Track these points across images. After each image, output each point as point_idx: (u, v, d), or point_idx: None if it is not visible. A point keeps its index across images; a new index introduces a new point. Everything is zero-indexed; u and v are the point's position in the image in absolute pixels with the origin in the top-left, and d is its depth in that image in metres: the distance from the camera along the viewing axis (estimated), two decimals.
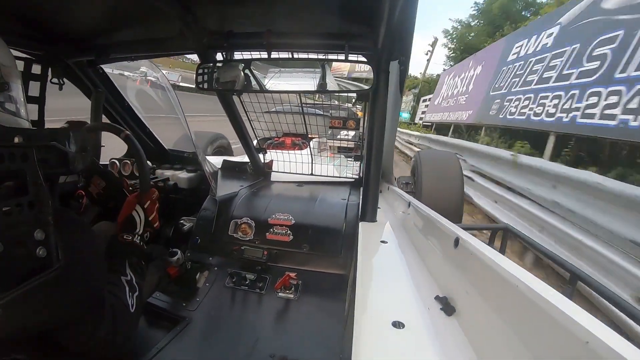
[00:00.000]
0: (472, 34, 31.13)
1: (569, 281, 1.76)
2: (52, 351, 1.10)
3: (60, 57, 2.06)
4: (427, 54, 35.08)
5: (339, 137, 4.34)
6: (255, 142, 2.87)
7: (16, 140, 0.96)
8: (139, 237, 1.58)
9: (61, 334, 1.07)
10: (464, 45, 30.84)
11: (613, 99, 5.73)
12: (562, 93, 7.36)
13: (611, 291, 1.56)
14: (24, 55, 1.87)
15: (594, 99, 6.22)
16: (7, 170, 0.90)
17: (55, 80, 2.09)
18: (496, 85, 11.75)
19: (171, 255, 1.83)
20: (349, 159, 3.53)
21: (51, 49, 1.97)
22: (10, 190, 0.93)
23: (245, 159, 2.99)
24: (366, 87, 1.81)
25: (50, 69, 2.04)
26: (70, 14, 1.68)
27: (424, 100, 26.88)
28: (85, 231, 1.17)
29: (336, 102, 6.48)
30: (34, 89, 1.91)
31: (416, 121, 26.49)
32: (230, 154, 5.21)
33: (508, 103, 10.14)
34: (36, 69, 1.95)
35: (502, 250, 2.38)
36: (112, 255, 1.45)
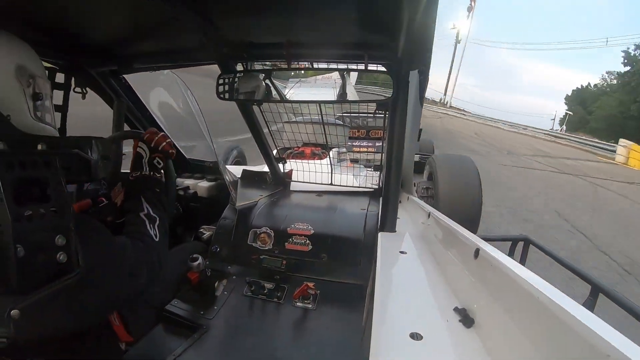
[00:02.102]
0: None
1: (591, 293, 1.74)
2: (71, 356, 1.12)
3: (83, 67, 2.10)
4: None
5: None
6: (274, 151, 2.88)
7: (40, 147, 0.98)
8: (148, 168, 1.60)
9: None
10: None
11: None
12: None
13: (634, 304, 1.53)
14: (49, 65, 1.91)
15: None
16: (30, 177, 0.92)
17: (78, 89, 2.12)
18: None
19: (192, 260, 1.84)
20: (368, 169, 3.53)
21: (75, 59, 2.01)
22: (33, 196, 0.95)
23: (265, 168, 3.01)
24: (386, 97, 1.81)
25: (73, 78, 2.08)
26: (94, 26, 1.71)
27: None
28: (106, 238, 1.19)
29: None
30: (57, 97, 1.95)
31: None
32: (245, 163, 5.26)
33: None
34: (59, 78, 1.99)
35: (522, 261, 2.35)
36: (128, 198, 1.51)
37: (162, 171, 1.66)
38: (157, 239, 1.38)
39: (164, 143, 1.69)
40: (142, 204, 1.46)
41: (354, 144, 6.30)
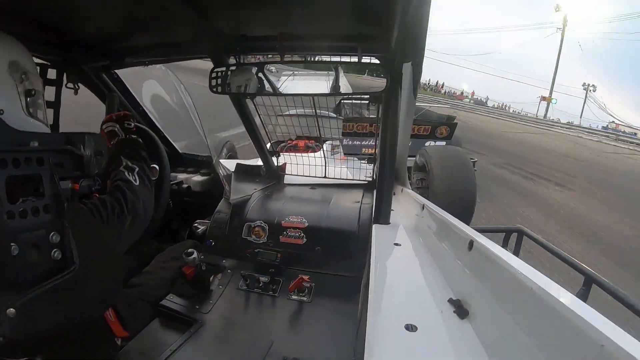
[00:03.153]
0: None
1: (584, 284, 1.75)
2: (68, 352, 1.11)
3: (75, 63, 2.08)
4: None
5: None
6: (268, 145, 2.88)
7: (32, 144, 0.97)
8: (122, 134, 1.64)
9: None
10: None
11: None
12: None
13: (627, 294, 1.54)
14: (40, 61, 1.89)
15: None
16: (24, 174, 0.92)
17: (70, 85, 2.11)
18: None
19: (187, 255, 1.84)
20: (362, 161, 3.53)
21: (66, 55, 1.99)
22: (26, 193, 0.95)
23: (259, 162, 3.00)
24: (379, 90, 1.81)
25: (65, 74, 2.06)
26: (86, 20, 1.70)
27: None
28: (100, 233, 1.19)
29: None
30: (49, 93, 1.93)
31: None
32: (236, 157, 5.26)
33: None
34: (51, 73, 1.97)
35: (516, 253, 2.37)
36: (110, 163, 1.51)
37: (135, 131, 1.69)
38: (137, 183, 1.41)
39: (122, 112, 1.74)
40: (121, 160, 1.48)
41: (362, 143, 6.21)
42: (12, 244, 0.84)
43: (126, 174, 1.43)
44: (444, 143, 6.08)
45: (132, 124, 1.69)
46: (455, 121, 6.77)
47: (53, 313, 0.96)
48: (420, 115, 7.68)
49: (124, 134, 1.63)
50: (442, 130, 6.21)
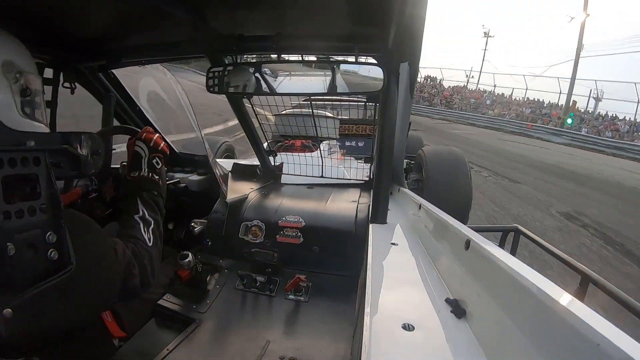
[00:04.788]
0: None
1: (581, 283, 1.75)
2: (65, 352, 1.11)
3: (72, 62, 2.08)
4: None
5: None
6: (265, 144, 2.88)
7: (29, 144, 0.97)
8: (147, 169, 1.58)
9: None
10: None
11: None
12: None
13: (624, 294, 1.54)
14: (37, 60, 1.89)
15: None
16: (20, 174, 0.91)
17: (67, 84, 2.10)
18: None
19: (182, 258, 1.84)
20: (359, 160, 3.53)
21: (63, 54, 1.98)
22: (23, 193, 0.94)
23: (256, 161, 3.00)
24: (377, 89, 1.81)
25: (62, 74, 2.06)
26: (82, 20, 1.69)
27: None
28: (97, 233, 1.18)
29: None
30: (46, 93, 1.93)
31: None
32: (234, 157, 5.25)
33: None
34: (48, 73, 1.97)
35: (513, 252, 2.37)
36: (124, 198, 1.49)
37: (159, 172, 1.63)
38: (150, 243, 1.37)
39: (163, 144, 1.68)
40: (137, 205, 1.44)
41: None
42: (8, 243, 0.84)
43: (141, 228, 1.39)
44: None
45: (161, 164, 1.64)
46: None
47: (50, 313, 0.96)
48: None
49: (148, 170, 1.58)
50: (368, 129, 6.17)
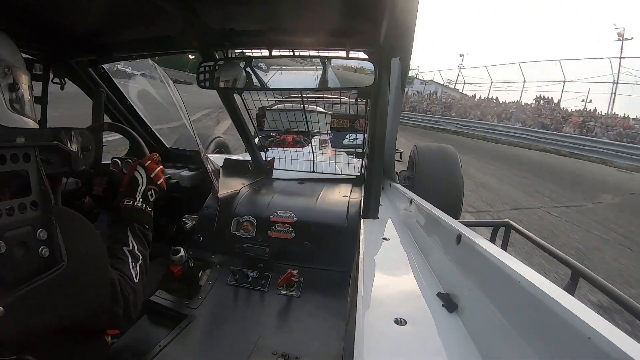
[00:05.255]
0: None
1: (571, 277, 1.76)
2: (58, 350, 1.11)
3: (61, 57, 2.06)
4: None
5: None
6: (256, 139, 2.88)
7: (19, 140, 0.96)
8: (141, 199, 1.56)
9: (76, 326, 1.09)
10: None
11: None
12: None
13: (613, 288, 1.56)
14: (26, 56, 1.87)
15: None
16: (10, 171, 0.91)
17: (56, 80, 2.09)
18: None
19: (174, 253, 1.83)
20: (350, 156, 3.54)
21: (52, 49, 1.97)
22: (13, 190, 0.94)
23: (247, 157, 3.00)
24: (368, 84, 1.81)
25: (51, 69, 2.04)
26: (72, 14, 1.67)
27: None
28: (88, 230, 1.18)
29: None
30: (36, 89, 1.91)
31: None
32: (226, 153, 5.24)
33: None
34: (38, 68, 1.95)
35: (504, 247, 2.38)
36: (114, 225, 1.46)
37: (151, 205, 1.62)
38: (136, 280, 1.33)
39: (162, 179, 1.68)
40: (128, 237, 1.42)
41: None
42: None
43: (130, 263, 1.36)
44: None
45: (154, 198, 1.64)
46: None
47: (42, 311, 0.96)
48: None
49: (142, 201, 1.57)
50: (360, 123, 6.18)
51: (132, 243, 1.41)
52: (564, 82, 30.83)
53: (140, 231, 1.48)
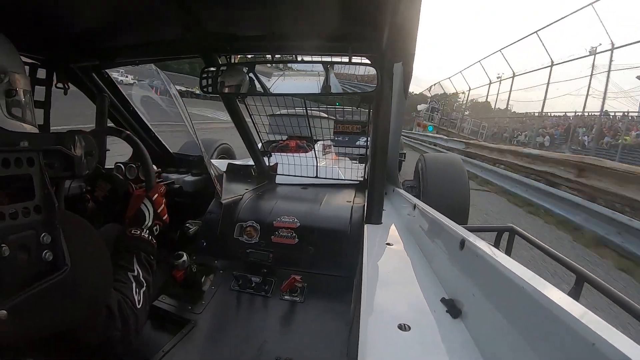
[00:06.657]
0: None
1: (576, 283, 1.75)
2: (60, 355, 1.11)
3: (64, 62, 2.07)
4: None
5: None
6: (259, 145, 2.88)
7: (22, 144, 0.96)
8: (147, 232, 1.56)
9: (71, 334, 1.07)
10: None
11: None
12: None
13: (619, 293, 1.55)
14: (30, 60, 1.87)
15: None
16: (14, 175, 0.91)
17: (60, 85, 2.09)
18: None
19: (177, 258, 1.83)
20: (353, 161, 3.54)
21: (56, 54, 1.97)
22: (17, 194, 0.94)
23: (250, 162, 3.00)
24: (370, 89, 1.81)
25: (55, 74, 2.05)
26: (75, 19, 1.68)
27: None
28: (91, 234, 1.17)
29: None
30: (39, 93, 1.91)
31: None
32: (234, 158, 5.24)
33: None
34: (41, 73, 1.96)
35: (508, 252, 2.37)
36: (120, 251, 1.45)
37: (156, 237, 1.61)
38: (139, 306, 1.33)
39: (166, 215, 1.69)
40: (133, 264, 1.42)
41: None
42: (2, 245, 0.83)
43: (134, 289, 1.35)
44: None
45: (158, 232, 1.63)
46: None
47: (45, 315, 0.95)
48: None
49: (148, 234, 1.57)
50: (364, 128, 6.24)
51: (137, 269, 1.40)
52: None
53: (146, 259, 1.47)
